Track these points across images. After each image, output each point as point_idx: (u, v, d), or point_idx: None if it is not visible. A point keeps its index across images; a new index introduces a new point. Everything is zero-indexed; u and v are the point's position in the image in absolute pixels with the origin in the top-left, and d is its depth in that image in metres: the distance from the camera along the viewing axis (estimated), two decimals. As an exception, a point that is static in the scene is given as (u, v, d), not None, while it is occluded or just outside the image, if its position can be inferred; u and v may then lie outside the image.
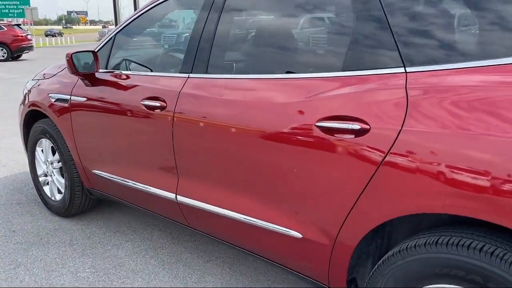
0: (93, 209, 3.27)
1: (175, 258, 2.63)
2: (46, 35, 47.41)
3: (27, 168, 4.21)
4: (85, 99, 2.63)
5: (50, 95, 2.92)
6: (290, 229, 1.74)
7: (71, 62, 2.48)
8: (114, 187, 2.67)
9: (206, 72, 2.06)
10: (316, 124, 1.56)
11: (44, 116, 3.14)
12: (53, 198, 3.21)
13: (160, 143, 2.20)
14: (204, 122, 1.97)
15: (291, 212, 1.73)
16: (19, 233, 2.95)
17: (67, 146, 2.90)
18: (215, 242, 2.61)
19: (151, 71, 2.48)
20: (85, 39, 43.81)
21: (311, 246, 1.70)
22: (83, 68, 2.53)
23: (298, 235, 1.72)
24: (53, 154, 3.14)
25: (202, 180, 2.07)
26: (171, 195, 2.23)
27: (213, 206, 2.04)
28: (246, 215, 1.90)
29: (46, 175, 3.26)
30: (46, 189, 3.28)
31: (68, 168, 2.93)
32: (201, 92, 2.03)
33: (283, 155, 1.68)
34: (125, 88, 2.41)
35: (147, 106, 2.23)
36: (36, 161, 3.30)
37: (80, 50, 2.54)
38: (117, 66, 2.63)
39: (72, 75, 2.77)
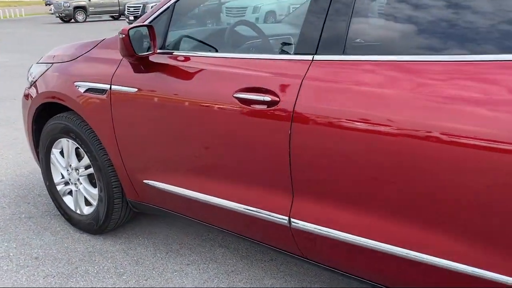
0: (128, 221, 2.67)
1: (257, 284, 2.11)
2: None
3: (25, 168, 3.51)
4: (136, 90, 2.00)
5: (77, 83, 2.25)
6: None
7: (128, 42, 1.84)
8: (179, 203, 2.09)
9: (343, 53, 1.50)
10: None
11: (63, 109, 2.48)
12: (78, 212, 2.58)
13: (266, 149, 1.64)
14: (349, 125, 1.42)
15: None
16: (45, 261, 2.32)
17: (102, 149, 2.27)
18: (299, 262, 2.11)
19: (237, 52, 1.87)
20: (34, 11, 40.83)
21: None
22: (139, 49, 1.89)
23: None
24: (78, 157, 2.49)
25: (336, 203, 1.53)
26: (282, 219, 1.68)
27: (352, 236, 1.52)
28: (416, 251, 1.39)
29: (67, 183, 2.62)
30: (68, 200, 2.64)
31: (104, 176, 2.31)
32: (338, 81, 1.47)
33: None
34: (204, 76, 1.81)
35: (244, 100, 1.66)
36: (52, 165, 2.64)
37: (136, 24, 1.90)
38: (178, 46, 2.00)
39: (109, 58, 2.13)
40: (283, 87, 1.57)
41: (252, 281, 2.14)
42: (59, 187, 2.65)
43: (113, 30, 16.10)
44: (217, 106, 1.74)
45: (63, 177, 2.62)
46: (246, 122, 1.66)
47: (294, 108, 1.53)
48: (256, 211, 1.75)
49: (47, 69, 2.50)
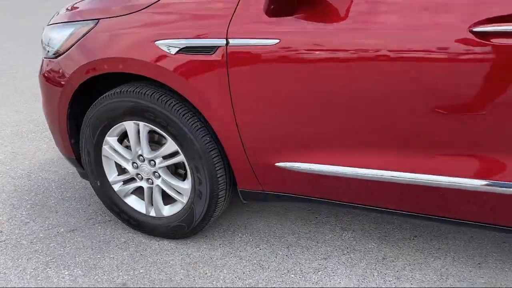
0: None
1: (423, 269, 1.75)
2: None
3: (21, 167, 2.73)
4: (278, 41, 1.45)
5: (160, 42, 1.62)
6: None
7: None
8: (323, 184, 1.62)
9: None
10: None
11: (107, 87, 1.85)
12: (153, 214, 1.98)
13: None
14: None
15: None
16: (138, 284, 1.74)
17: (202, 129, 1.70)
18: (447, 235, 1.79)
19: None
20: None
21: None
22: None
23: None
24: (150, 144, 1.88)
25: None
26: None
27: None
28: None
29: (130, 180, 1.99)
30: (132, 201, 2.02)
31: (205, 165, 1.74)
32: None
33: None
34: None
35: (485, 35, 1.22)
36: (104, 159, 1.98)
37: None
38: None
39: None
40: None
41: (413, 266, 1.76)
42: (117, 186, 2.01)
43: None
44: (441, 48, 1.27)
45: (124, 172, 1.98)
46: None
47: None
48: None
49: (90, 29, 1.80)
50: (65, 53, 1.87)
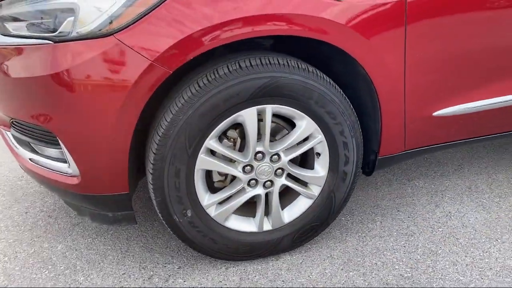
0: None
1: None
2: None
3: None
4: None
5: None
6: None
7: None
8: (471, 122, 1.64)
9: None
10: None
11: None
12: (269, 228, 1.51)
13: None
14: None
15: None
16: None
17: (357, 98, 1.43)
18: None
19: None
20: None
21: None
22: None
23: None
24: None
25: None
26: None
27: None
28: None
29: (235, 195, 1.45)
30: (235, 224, 1.48)
31: (355, 136, 1.46)
32: None
33: None
34: None
35: None
36: (198, 176, 1.37)
37: None
38: None
39: None
40: None
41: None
42: (213, 210, 1.43)
43: None
44: None
45: (215, 188, 1.44)
46: None
47: None
48: None
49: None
50: (134, 24, 1.18)
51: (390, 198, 1.90)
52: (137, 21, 1.18)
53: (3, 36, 1.31)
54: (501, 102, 1.61)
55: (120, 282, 1.47)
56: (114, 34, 1.18)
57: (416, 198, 1.89)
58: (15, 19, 1.28)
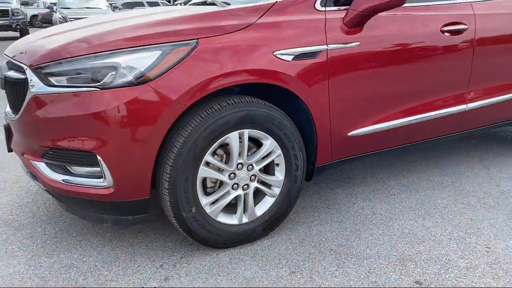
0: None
1: None
2: None
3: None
4: (358, 44, 2.14)
5: (279, 52, 1.94)
6: None
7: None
8: (382, 139, 2.42)
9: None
10: None
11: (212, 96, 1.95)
12: (246, 220, 2.09)
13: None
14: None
15: None
16: None
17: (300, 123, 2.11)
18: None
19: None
20: None
21: None
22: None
23: None
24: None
25: None
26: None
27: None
28: None
29: (222, 196, 2.01)
30: (223, 218, 2.04)
31: (301, 150, 2.13)
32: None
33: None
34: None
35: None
36: (199, 182, 1.93)
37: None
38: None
39: (308, 19, 2.07)
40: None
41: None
42: (208, 208, 1.98)
43: None
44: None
45: (206, 192, 2.01)
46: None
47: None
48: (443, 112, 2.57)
49: (190, 50, 1.80)
50: (161, 76, 1.75)
51: (322, 201, 2.58)
52: (161, 75, 1.75)
53: (47, 87, 1.79)
54: (398, 123, 2.40)
55: (139, 271, 1.92)
56: (148, 83, 1.73)
57: (338, 199, 2.60)
58: (59, 74, 1.78)
